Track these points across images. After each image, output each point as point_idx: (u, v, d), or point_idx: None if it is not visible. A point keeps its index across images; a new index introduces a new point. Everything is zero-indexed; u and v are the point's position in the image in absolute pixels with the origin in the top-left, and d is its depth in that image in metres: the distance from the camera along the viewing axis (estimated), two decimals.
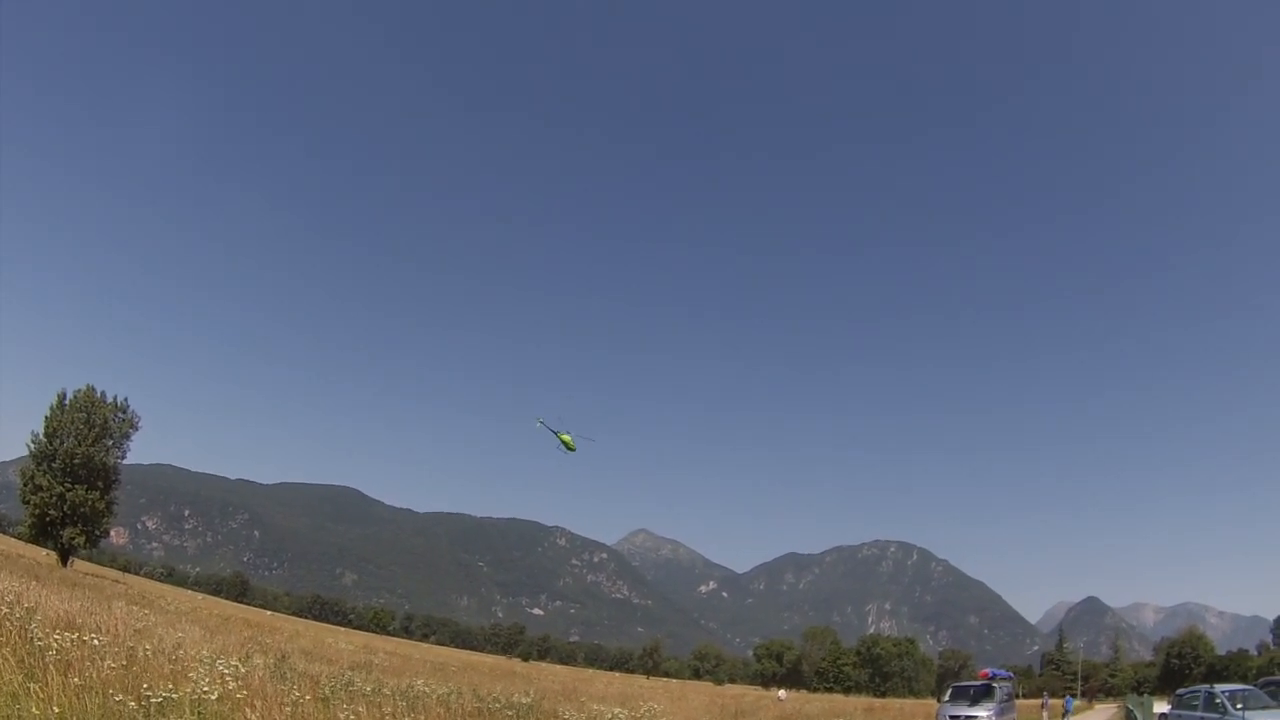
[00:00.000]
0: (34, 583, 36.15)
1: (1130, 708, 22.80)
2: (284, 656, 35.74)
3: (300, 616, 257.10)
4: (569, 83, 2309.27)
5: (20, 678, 12.92)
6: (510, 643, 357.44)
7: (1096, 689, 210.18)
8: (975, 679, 68.30)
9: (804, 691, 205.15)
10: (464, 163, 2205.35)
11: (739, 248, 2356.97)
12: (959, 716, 55.28)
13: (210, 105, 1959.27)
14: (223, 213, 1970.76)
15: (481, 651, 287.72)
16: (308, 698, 17.51)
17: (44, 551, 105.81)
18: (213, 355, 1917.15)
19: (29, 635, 15.12)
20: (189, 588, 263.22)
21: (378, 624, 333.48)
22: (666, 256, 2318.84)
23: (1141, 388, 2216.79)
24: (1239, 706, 42.26)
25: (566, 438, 58.68)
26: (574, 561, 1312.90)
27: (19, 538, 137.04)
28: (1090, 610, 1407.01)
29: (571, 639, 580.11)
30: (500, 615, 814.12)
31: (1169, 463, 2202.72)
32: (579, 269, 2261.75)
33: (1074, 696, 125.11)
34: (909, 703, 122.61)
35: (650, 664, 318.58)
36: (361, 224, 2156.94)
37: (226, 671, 16.42)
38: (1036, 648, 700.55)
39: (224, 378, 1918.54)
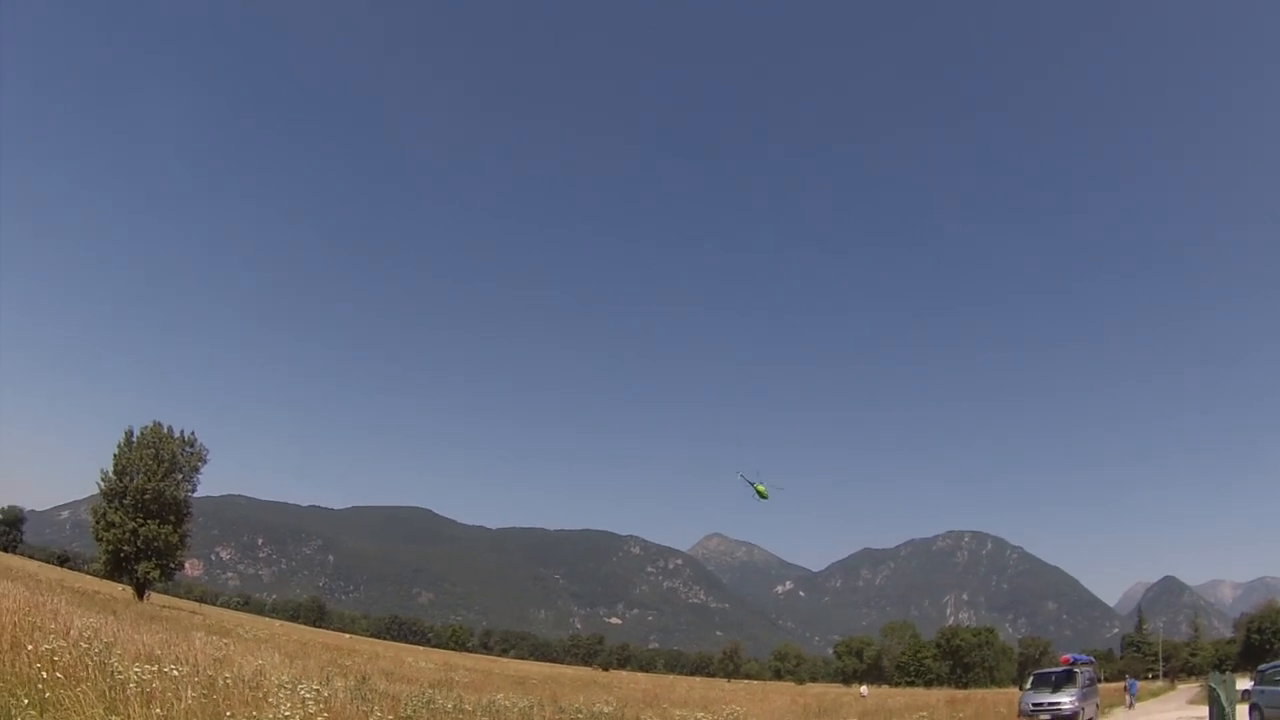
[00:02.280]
0: (111, 617, 36.40)
1: (1213, 685, 22.53)
2: (364, 678, 35.92)
3: (379, 638, 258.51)
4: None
5: (102, 711, 12.97)
6: (589, 653, 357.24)
7: (1178, 669, 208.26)
8: (1056, 665, 67.39)
9: (885, 687, 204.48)
10: (522, 178, 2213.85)
11: (796, 245, 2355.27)
12: (1041, 704, 54.92)
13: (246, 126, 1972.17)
14: (277, 241, 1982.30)
15: (561, 663, 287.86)
16: (390, 718, 17.56)
17: (119, 587, 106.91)
18: (277, 384, 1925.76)
19: (109, 669, 15.19)
20: (266, 615, 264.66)
21: (456, 641, 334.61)
22: (719, 260, 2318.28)
23: (1208, 362, 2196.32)
24: None
25: (761, 488, 61.79)
26: (649, 569, 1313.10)
27: (94, 574, 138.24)
28: (1168, 590, 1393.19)
29: (650, 646, 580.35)
30: (578, 626, 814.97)
31: (1239, 436, 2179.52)
32: (629, 274, 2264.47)
33: (1138, 679, 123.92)
34: (991, 692, 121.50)
35: (731, 667, 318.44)
36: (414, 245, 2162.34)
37: (307, 695, 16.47)
38: (1116, 630, 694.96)
39: (290, 405, 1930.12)
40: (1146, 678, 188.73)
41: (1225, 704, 18.31)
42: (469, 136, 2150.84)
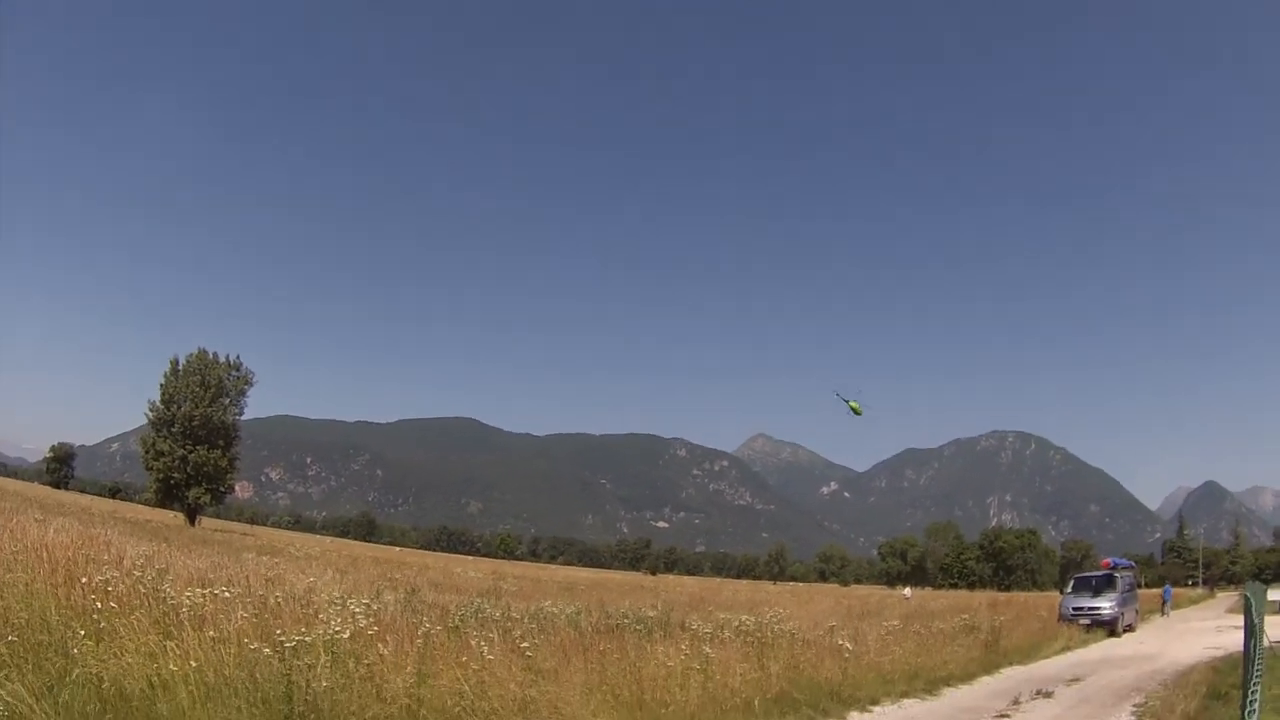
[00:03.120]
0: (163, 545, 36.76)
1: (1248, 595, 22.59)
2: (414, 590, 36.29)
3: (429, 550, 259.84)
4: None
5: (157, 637, 13.17)
6: (636, 557, 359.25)
7: (1217, 577, 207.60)
8: (1097, 570, 66.68)
9: (929, 589, 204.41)
10: (550, 95, 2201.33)
11: (829, 149, 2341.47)
12: (1081, 608, 54.40)
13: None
14: (314, 171, 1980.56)
15: (609, 568, 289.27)
16: (438, 628, 17.77)
17: (171, 514, 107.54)
18: (320, 303, 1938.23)
19: (162, 595, 15.40)
20: (317, 533, 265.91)
21: (505, 550, 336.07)
22: (756, 167, 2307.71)
23: (1246, 261, 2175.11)
24: None
25: (856, 405, 62.55)
26: (695, 471, 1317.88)
27: (145, 504, 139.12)
28: (1209, 495, 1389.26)
29: (697, 549, 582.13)
30: (625, 531, 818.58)
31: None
32: (658, 190, 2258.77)
33: (1174, 586, 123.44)
34: (1033, 595, 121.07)
35: (776, 569, 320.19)
36: (445, 161, 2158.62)
37: (357, 610, 16.64)
38: (1158, 535, 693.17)
39: (333, 323, 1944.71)
40: (1186, 585, 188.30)
41: (1255, 615, 18.09)
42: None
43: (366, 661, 14.52)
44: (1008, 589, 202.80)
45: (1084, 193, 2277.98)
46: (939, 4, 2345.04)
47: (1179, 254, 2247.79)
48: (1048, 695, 25.23)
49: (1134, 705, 23.77)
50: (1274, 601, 79.20)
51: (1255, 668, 14.19)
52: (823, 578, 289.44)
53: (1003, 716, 21.85)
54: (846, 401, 63.16)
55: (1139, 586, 73.32)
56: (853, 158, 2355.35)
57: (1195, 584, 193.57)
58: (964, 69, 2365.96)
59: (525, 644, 17.50)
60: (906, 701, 23.59)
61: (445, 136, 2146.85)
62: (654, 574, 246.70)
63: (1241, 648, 22.83)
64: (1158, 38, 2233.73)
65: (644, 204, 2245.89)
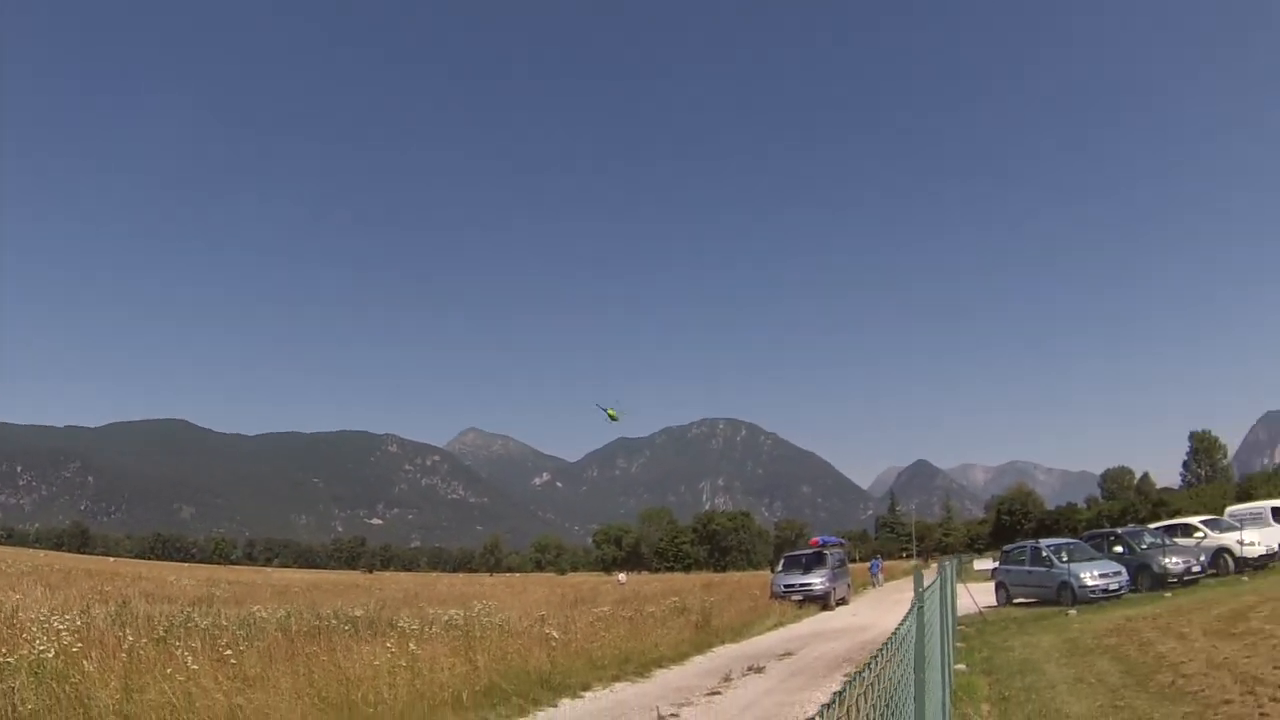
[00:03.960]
0: None
1: (945, 565, 23.88)
2: (125, 602, 35.51)
3: (143, 558, 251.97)
4: None
5: None
6: (352, 556, 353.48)
7: (931, 549, 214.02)
8: (807, 548, 67.42)
9: (645, 573, 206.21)
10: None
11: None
12: (793, 585, 55.54)
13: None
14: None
15: (325, 569, 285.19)
16: (144, 641, 17.73)
17: None
18: (17, 299, 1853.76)
19: None
20: (30, 546, 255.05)
21: (220, 555, 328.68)
22: (475, 167, 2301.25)
23: (957, 247, 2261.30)
24: (1064, 559, 43.97)
25: (613, 412, 63.92)
26: (407, 467, 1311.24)
27: None
28: (920, 473, 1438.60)
29: (413, 545, 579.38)
30: (340, 530, 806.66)
31: (987, 324, 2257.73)
32: (361, 184, 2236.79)
33: (881, 559, 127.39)
34: (747, 575, 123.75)
35: (492, 561, 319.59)
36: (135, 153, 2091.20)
37: (62, 627, 16.55)
38: (870, 513, 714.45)
39: (38, 322, 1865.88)
40: (901, 557, 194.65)
41: (947, 582, 19.56)
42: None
43: (72, 680, 14.46)
44: (723, 570, 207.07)
45: (794, 181, 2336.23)
46: None
47: (876, 242, 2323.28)
48: (759, 670, 26.05)
49: (844, 675, 24.73)
50: (992, 569, 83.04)
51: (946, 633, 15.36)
52: (539, 567, 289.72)
53: (714, 694, 22.49)
54: (605, 410, 64.95)
55: (850, 562, 75.55)
56: (543, 157, 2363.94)
57: (910, 556, 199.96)
58: None
59: (229, 651, 17.59)
60: (618, 685, 24.10)
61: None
62: (371, 572, 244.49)
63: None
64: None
65: (344, 199, 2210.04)
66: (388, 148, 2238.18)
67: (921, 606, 7.03)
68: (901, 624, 6.19)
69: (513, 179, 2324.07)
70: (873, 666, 4.93)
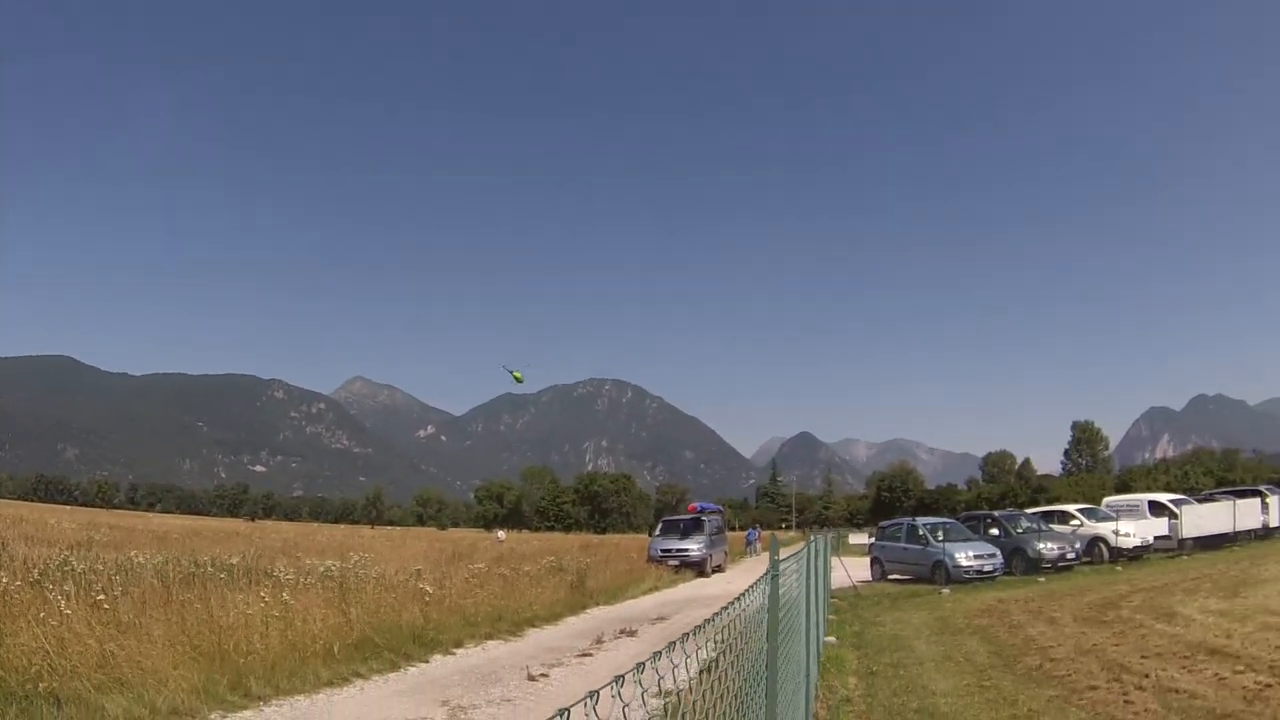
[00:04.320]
0: None
1: (815, 538, 23.93)
2: (3, 544, 35.15)
3: (25, 500, 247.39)
4: None
5: None
6: (235, 504, 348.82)
7: (811, 521, 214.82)
8: (685, 514, 67.43)
9: (525, 532, 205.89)
10: None
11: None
12: (670, 550, 55.64)
13: None
14: None
15: (208, 515, 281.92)
16: (18, 583, 17.69)
17: None
18: None
19: None
20: None
21: (103, 498, 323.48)
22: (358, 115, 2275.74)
23: (854, 223, 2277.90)
24: (939, 538, 44.75)
25: (518, 374, 63.58)
26: (293, 414, 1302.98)
27: None
28: (804, 445, 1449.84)
29: (295, 494, 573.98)
30: (223, 475, 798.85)
31: (879, 304, 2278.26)
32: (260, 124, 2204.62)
33: (763, 529, 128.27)
34: (626, 538, 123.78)
35: (374, 514, 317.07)
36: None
37: None
38: (752, 482, 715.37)
39: None
40: (780, 528, 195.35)
41: (819, 554, 19.90)
42: None
43: None
44: (603, 532, 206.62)
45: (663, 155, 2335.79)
46: None
47: (771, 212, 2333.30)
48: (632, 634, 26.29)
49: (717, 641, 24.97)
50: (859, 544, 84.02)
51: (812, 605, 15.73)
52: (421, 521, 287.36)
53: (585, 655, 22.68)
54: (511, 372, 65.08)
55: (731, 529, 75.58)
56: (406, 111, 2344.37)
57: (789, 527, 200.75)
58: None
59: (103, 597, 17.57)
60: (490, 643, 24.24)
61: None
62: (253, 520, 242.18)
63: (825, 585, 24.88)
64: None
65: (242, 130, 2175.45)
66: (274, 84, 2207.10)
67: (776, 575, 7.35)
68: (747, 593, 6.46)
69: (404, 125, 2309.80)
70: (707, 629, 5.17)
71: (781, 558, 7.81)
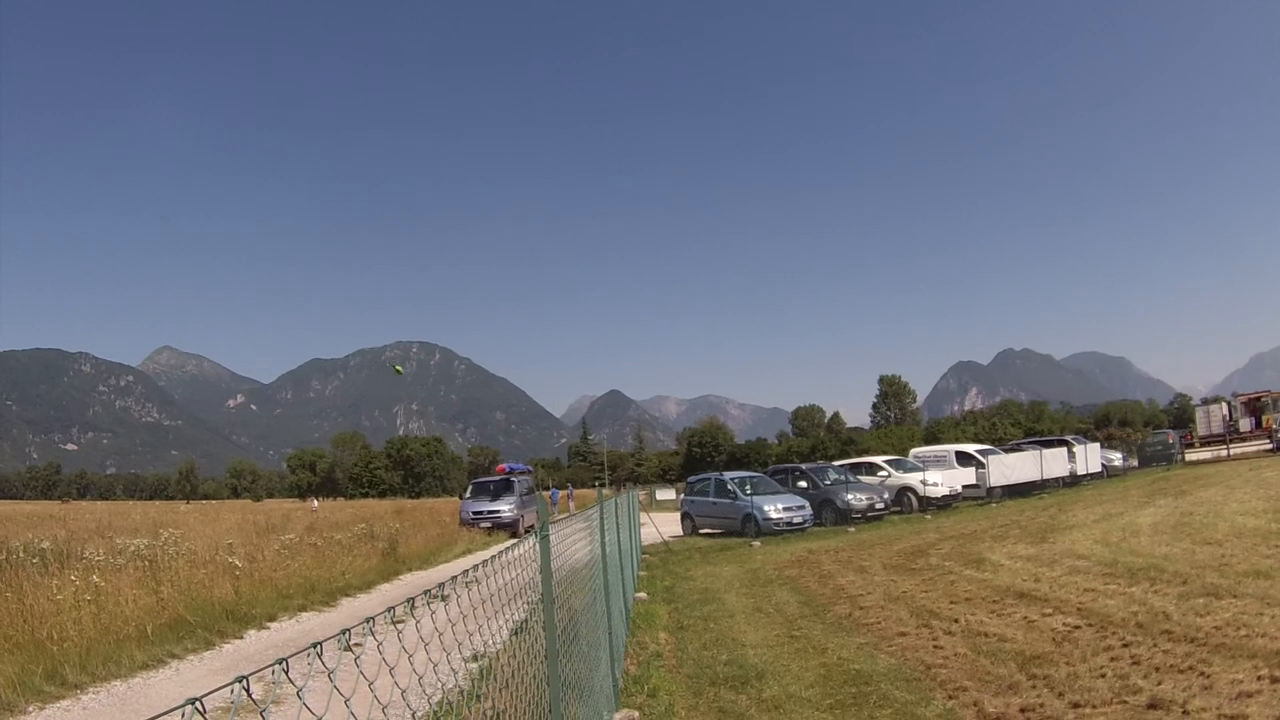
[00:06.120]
0: None
1: (623, 494, 23.87)
2: None
3: None
4: None
5: None
6: (48, 485, 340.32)
7: (624, 478, 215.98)
8: (494, 475, 66.62)
9: (340, 500, 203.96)
10: None
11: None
12: (482, 512, 55.31)
13: None
14: None
15: (21, 499, 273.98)
16: None
17: None
18: None
19: None
20: None
21: None
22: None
23: (658, 186, 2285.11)
24: (748, 491, 45.50)
25: (400, 369, 63.54)
26: (101, 388, 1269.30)
27: None
28: (614, 403, 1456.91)
29: (108, 471, 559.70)
30: (35, 456, 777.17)
31: (682, 260, 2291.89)
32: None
33: (559, 488, 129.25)
34: (440, 501, 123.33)
35: (188, 488, 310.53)
36: None
37: None
38: (564, 441, 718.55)
39: None
40: (593, 486, 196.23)
41: (627, 508, 20.41)
42: None
43: None
44: (418, 496, 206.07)
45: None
46: None
47: (572, 170, 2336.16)
48: (444, 598, 26.45)
49: (528, 602, 25.30)
50: (669, 500, 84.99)
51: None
52: (235, 494, 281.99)
53: (399, 622, 22.85)
54: (394, 367, 64.95)
55: (544, 489, 75.71)
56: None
57: (602, 485, 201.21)
58: None
59: None
60: (304, 615, 23.97)
61: None
62: (66, 502, 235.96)
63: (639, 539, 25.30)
64: None
65: (29, 93, 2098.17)
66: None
67: (546, 535, 7.65)
68: (509, 549, 6.61)
69: (176, 73, 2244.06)
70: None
71: (574, 513, 8.13)
